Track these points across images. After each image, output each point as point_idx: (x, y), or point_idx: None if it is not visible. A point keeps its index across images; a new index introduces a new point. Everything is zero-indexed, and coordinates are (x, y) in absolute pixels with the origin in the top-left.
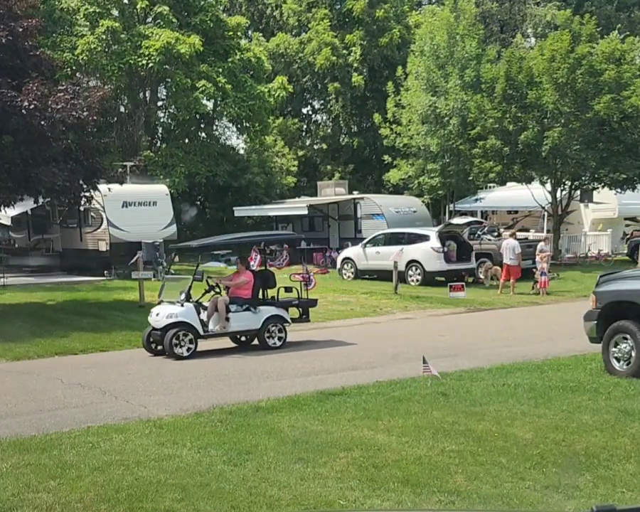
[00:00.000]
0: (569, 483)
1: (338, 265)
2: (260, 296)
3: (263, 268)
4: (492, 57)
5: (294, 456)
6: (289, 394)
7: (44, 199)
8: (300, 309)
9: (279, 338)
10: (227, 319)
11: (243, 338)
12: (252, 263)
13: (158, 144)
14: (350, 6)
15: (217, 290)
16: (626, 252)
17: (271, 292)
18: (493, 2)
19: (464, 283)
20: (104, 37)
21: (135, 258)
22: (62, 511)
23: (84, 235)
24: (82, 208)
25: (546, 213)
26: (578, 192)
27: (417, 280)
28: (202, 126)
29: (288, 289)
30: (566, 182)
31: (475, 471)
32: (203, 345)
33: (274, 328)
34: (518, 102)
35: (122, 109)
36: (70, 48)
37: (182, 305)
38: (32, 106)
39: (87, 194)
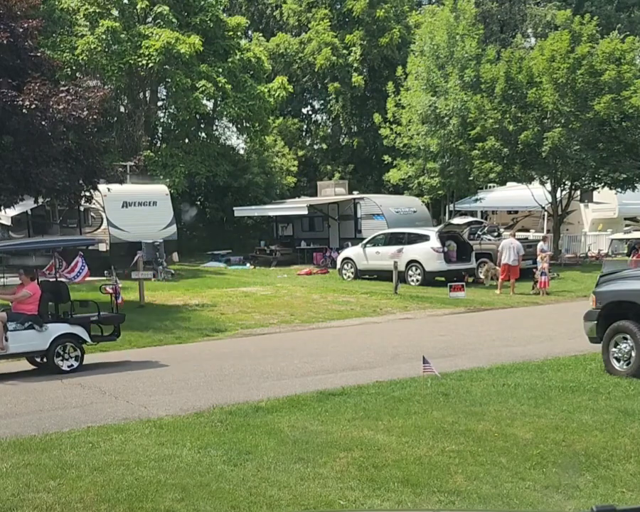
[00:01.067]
0: (569, 483)
1: (338, 265)
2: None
3: (53, 279)
4: (492, 58)
5: (294, 456)
6: (289, 394)
7: (44, 199)
8: (100, 326)
9: (76, 358)
10: (7, 339)
11: (45, 359)
12: (73, 273)
13: (158, 144)
14: (350, 6)
15: None
16: (625, 252)
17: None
18: (493, 2)
19: (464, 283)
20: (104, 37)
21: (135, 259)
22: (62, 511)
23: (85, 235)
24: (82, 208)
25: (546, 213)
26: (578, 192)
27: (417, 280)
28: (202, 126)
29: (83, 304)
30: (566, 182)
31: (475, 471)
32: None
33: (66, 348)
34: (518, 102)
35: (122, 109)
36: (70, 48)
37: None
38: (33, 106)
39: (87, 194)
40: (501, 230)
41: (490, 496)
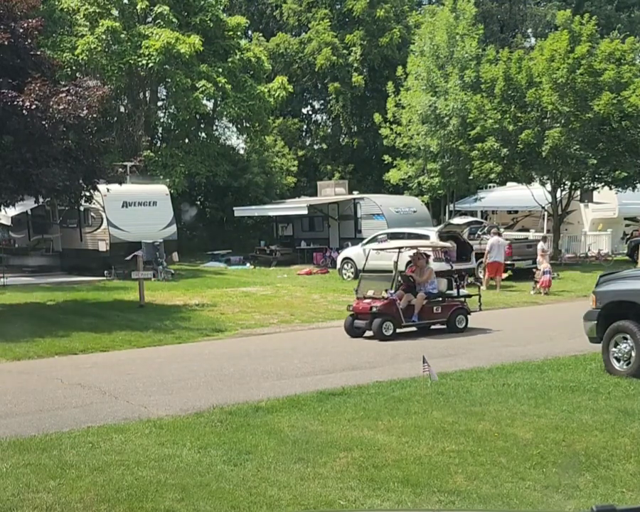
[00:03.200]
0: (569, 483)
1: (338, 265)
2: None
3: None
4: (492, 58)
5: (294, 456)
6: (289, 394)
7: (44, 199)
8: None
9: None
10: None
11: None
12: None
13: (158, 144)
14: (350, 5)
15: None
16: (626, 251)
17: None
18: (493, 2)
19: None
20: (104, 37)
21: (131, 255)
22: (62, 511)
23: (84, 235)
24: (82, 208)
25: (546, 213)
26: (578, 192)
27: None
28: (202, 126)
29: None
30: (566, 182)
31: (475, 471)
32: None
33: None
34: (518, 102)
35: (122, 109)
36: (70, 48)
37: None
38: (33, 106)
39: (87, 194)
40: (501, 229)
41: (490, 496)
